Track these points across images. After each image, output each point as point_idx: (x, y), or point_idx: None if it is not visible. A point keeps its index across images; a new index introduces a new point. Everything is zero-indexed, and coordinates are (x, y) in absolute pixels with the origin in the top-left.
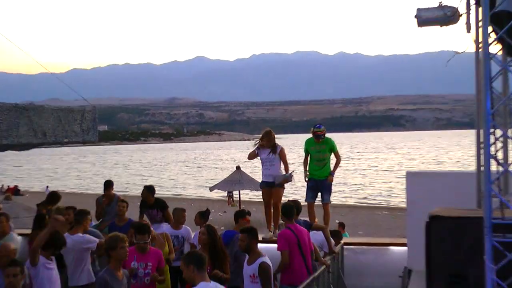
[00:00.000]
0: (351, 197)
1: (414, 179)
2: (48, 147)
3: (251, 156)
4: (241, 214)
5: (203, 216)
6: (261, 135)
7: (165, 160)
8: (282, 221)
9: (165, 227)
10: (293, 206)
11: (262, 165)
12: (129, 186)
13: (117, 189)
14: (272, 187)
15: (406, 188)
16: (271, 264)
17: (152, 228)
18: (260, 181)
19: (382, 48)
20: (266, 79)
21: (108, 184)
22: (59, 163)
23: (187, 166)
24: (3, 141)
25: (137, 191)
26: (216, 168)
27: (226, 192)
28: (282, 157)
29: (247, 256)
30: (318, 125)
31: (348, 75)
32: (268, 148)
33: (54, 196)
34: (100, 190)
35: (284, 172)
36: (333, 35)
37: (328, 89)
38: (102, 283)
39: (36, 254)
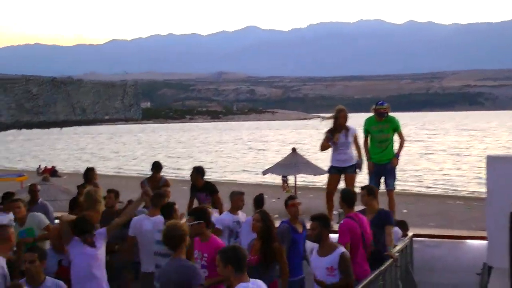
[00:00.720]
0: (418, 184)
1: (496, 164)
2: (87, 125)
3: (324, 147)
4: (289, 198)
5: (257, 202)
6: (334, 114)
7: (212, 140)
8: (340, 210)
9: (217, 215)
10: (355, 192)
11: (335, 149)
12: (173, 168)
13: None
14: (343, 173)
15: (487, 175)
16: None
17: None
18: (318, 165)
19: (458, 15)
20: (324, 51)
21: (156, 166)
22: (98, 142)
23: (236, 148)
24: (40, 118)
25: (184, 174)
26: (269, 150)
27: (281, 176)
28: (356, 141)
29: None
30: (381, 102)
31: (418, 47)
32: (342, 129)
33: (88, 173)
34: (143, 173)
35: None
36: (401, 1)
37: (395, 63)
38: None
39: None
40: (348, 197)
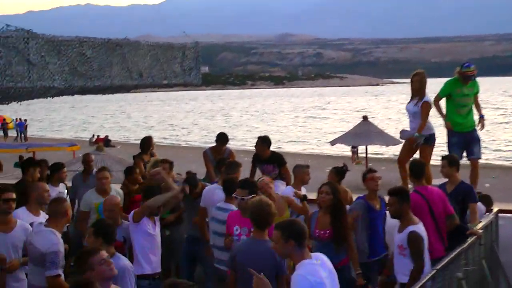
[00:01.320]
0: (500, 156)
1: None
2: (144, 90)
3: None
4: (368, 171)
5: (339, 173)
6: (411, 78)
7: (275, 108)
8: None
9: (285, 188)
10: (423, 162)
11: (409, 116)
12: (231, 138)
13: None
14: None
15: None
16: (424, 233)
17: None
18: (392, 134)
19: None
20: (398, 10)
21: (222, 138)
22: (153, 110)
23: (301, 116)
24: (95, 83)
25: (238, 144)
26: (337, 118)
27: (350, 147)
28: (423, 110)
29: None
30: (467, 64)
31: (504, 3)
32: (415, 94)
33: (145, 142)
34: (202, 144)
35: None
36: None
37: (477, 22)
38: None
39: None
40: (415, 168)
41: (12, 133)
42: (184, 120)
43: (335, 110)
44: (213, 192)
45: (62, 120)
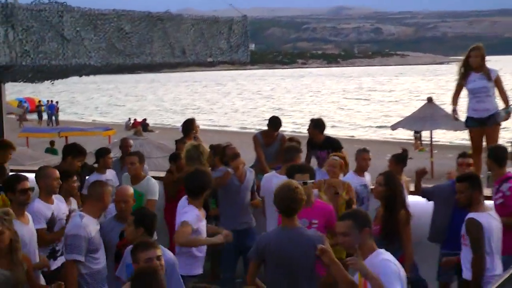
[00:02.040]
0: None
1: None
2: (187, 69)
3: (456, 98)
4: (460, 155)
5: (400, 160)
6: (467, 53)
7: (328, 88)
8: (489, 172)
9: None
10: (505, 148)
11: (473, 96)
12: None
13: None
14: (485, 125)
15: None
16: (490, 223)
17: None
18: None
19: None
20: None
21: (274, 122)
22: (195, 91)
23: (357, 97)
24: (134, 60)
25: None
26: (398, 100)
27: (413, 132)
28: (499, 85)
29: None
30: None
31: None
32: (477, 70)
33: (188, 125)
34: (247, 128)
35: (500, 106)
36: None
37: None
38: None
39: None
40: (497, 154)
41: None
42: (229, 102)
43: (397, 91)
44: (271, 180)
45: (93, 102)
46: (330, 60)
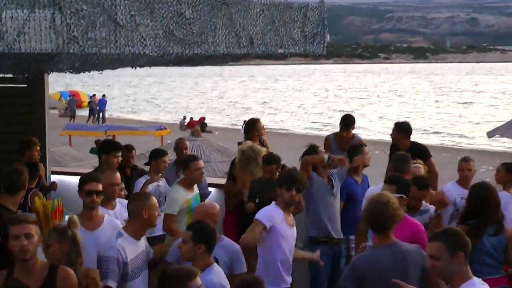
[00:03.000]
0: None
1: None
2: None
3: None
4: None
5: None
6: None
7: (413, 87)
8: None
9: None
10: None
11: None
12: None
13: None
14: None
15: None
16: None
17: None
18: None
19: None
20: None
21: (346, 121)
22: (258, 87)
23: (448, 100)
24: (195, 50)
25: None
26: (496, 105)
27: None
28: None
29: None
30: None
31: None
32: None
33: (251, 126)
34: (312, 130)
35: None
36: None
37: None
38: None
39: None
40: None
41: (85, 113)
42: (297, 101)
43: (497, 93)
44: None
45: (144, 97)
46: (418, 54)
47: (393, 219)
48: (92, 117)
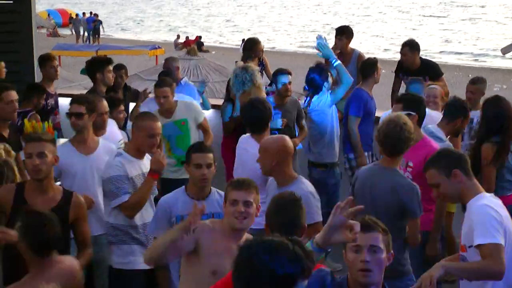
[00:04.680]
0: None
1: None
2: None
3: None
4: None
5: None
6: None
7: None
8: None
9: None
10: None
11: None
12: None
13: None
14: None
15: None
16: None
17: None
18: None
19: None
20: None
21: (345, 31)
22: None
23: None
24: None
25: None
26: (503, 22)
27: None
28: None
29: None
30: None
31: None
32: None
33: (249, 46)
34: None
35: None
36: None
37: None
38: None
39: None
40: None
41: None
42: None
43: (483, 6)
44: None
45: (138, 16)
46: None
47: (407, 143)
48: (78, 36)
